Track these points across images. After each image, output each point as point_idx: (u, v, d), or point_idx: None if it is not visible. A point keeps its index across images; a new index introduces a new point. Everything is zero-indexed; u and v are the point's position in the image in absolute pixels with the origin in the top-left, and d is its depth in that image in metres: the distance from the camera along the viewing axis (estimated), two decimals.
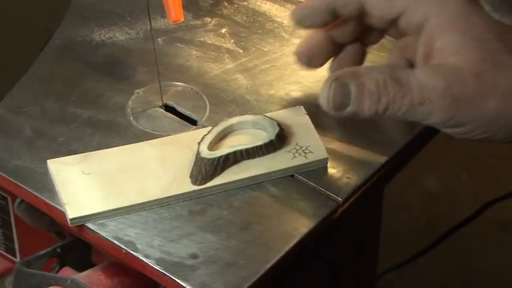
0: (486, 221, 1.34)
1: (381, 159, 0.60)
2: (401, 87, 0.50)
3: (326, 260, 0.67)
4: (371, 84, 0.50)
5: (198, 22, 0.70)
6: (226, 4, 0.71)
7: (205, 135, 0.58)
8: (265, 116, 0.59)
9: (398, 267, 1.19)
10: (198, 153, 0.56)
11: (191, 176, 0.56)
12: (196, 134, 0.59)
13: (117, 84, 0.64)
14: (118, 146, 0.59)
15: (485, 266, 1.37)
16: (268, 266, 0.53)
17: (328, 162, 0.59)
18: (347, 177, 0.58)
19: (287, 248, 0.54)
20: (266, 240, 0.54)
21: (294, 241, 0.54)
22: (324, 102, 0.52)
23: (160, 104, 0.63)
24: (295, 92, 0.64)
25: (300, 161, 0.57)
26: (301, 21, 0.56)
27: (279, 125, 0.58)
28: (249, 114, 0.60)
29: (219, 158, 0.56)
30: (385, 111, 0.51)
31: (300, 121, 0.59)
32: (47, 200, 0.56)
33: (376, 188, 0.63)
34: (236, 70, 0.66)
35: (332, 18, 0.55)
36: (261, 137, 0.57)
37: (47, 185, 0.56)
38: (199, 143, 0.57)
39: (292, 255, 0.55)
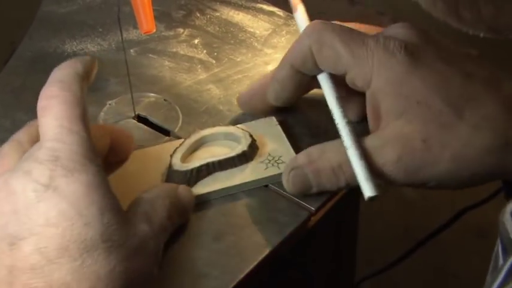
0: (463, 227, 1.35)
1: None
2: (350, 164, 0.52)
3: (302, 268, 0.67)
4: (326, 170, 0.53)
5: (171, 33, 0.70)
6: (198, 15, 0.71)
7: (177, 147, 0.57)
8: (237, 127, 0.59)
9: (376, 275, 1.19)
10: (170, 165, 0.56)
11: None
12: (168, 146, 0.58)
13: (88, 95, 0.63)
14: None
15: (463, 272, 1.37)
16: (241, 276, 0.53)
17: None
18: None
19: (260, 257, 0.54)
20: (239, 250, 0.54)
21: (267, 251, 0.54)
22: (287, 189, 0.55)
23: (133, 115, 0.63)
24: None
25: (272, 171, 0.57)
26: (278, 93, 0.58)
27: (251, 136, 0.58)
28: (221, 125, 0.60)
29: (192, 170, 0.56)
30: (347, 187, 0.53)
31: (271, 131, 0.59)
32: None
33: (352, 195, 0.63)
34: (209, 80, 0.66)
35: (301, 78, 0.56)
36: (234, 148, 0.57)
37: None
38: (171, 156, 0.57)
39: (266, 264, 0.54)
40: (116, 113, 0.63)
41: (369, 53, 0.51)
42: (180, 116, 0.63)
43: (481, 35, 0.28)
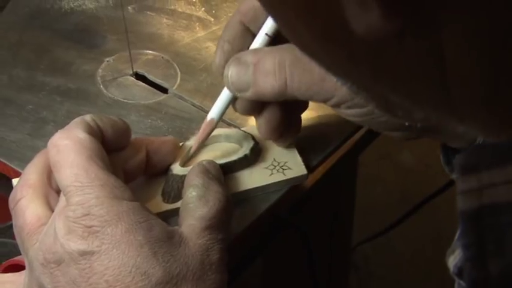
0: None
1: (352, 127, 0.60)
2: (300, 64, 0.46)
3: (299, 230, 0.68)
4: (268, 63, 0.47)
5: None
6: None
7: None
8: (240, 129, 0.55)
9: (373, 239, 1.20)
10: (169, 170, 0.51)
11: (163, 194, 0.51)
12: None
13: (86, 52, 0.64)
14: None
15: None
16: (238, 232, 0.53)
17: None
18: (318, 144, 0.58)
19: (257, 215, 0.54)
20: (237, 206, 0.54)
21: (265, 206, 0.54)
22: (225, 83, 0.49)
23: (131, 72, 0.63)
24: None
25: (277, 177, 0.53)
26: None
27: (253, 138, 0.53)
28: (222, 128, 0.55)
29: None
30: (283, 89, 0.47)
31: None
32: (16, 168, 0.55)
33: (349, 158, 0.63)
34: (207, 38, 0.66)
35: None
36: (235, 151, 0.53)
37: (15, 152, 0.56)
38: None
39: (263, 222, 0.55)
40: (114, 70, 0.63)
41: None
42: (179, 73, 0.63)
43: (418, 125, 0.28)
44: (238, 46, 0.49)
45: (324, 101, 0.48)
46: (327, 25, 0.23)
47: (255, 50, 0.48)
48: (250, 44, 0.49)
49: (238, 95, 0.49)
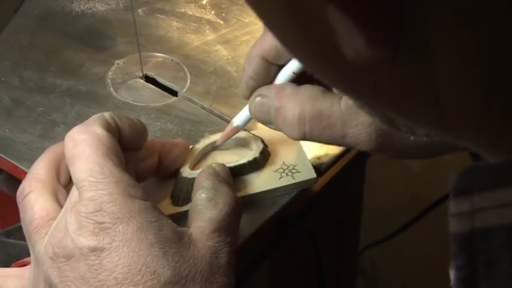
0: None
1: None
2: (321, 121, 0.46)
3: (308, 233, 0.68)
4: (289, 113, 0.47)
5: None
6: None
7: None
8: (249, 132, 0.55)
9: (380, 243, 1.20)
10: (179, 172, 0.51)
11: (172, 197, 0.51)
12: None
13: (97, 54, 0.64)
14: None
15: None
16: (250, 231, 0.53)
17: None
18: (327, 148, 0.58)
19: (267, 216, 0.54)
20: (247, 209, 0.54)
21: (273, 210, 0.54)
22: (250, 113, 0.50)
23: (141, 74, 0.63)
24: None
25: (287, 181, 0.53)
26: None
27: (262, 142, 0.54)
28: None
29: None
30: (303, 139, 0.48)
31: (287, 139, 0.53)
32: (25, 169, 0.55)
33: (358, 161, 0.63)
34: (217, 41, 0.66)
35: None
36: (245, 154, 0.53)
37: (25, 154, 0.56)
38: None
39: (273, 225, 0.55)
40: (124, 73, 0.63)
41: None
42: (188, 76, 0.63)
43: (424, 139, 0.29)
44: (262, 80, 0.49)
45: (348, 147, 0.49)
46: (322, 50, 0.23)
47: (279, 91, 0.48)
48: (275, 73, 0.49)
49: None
